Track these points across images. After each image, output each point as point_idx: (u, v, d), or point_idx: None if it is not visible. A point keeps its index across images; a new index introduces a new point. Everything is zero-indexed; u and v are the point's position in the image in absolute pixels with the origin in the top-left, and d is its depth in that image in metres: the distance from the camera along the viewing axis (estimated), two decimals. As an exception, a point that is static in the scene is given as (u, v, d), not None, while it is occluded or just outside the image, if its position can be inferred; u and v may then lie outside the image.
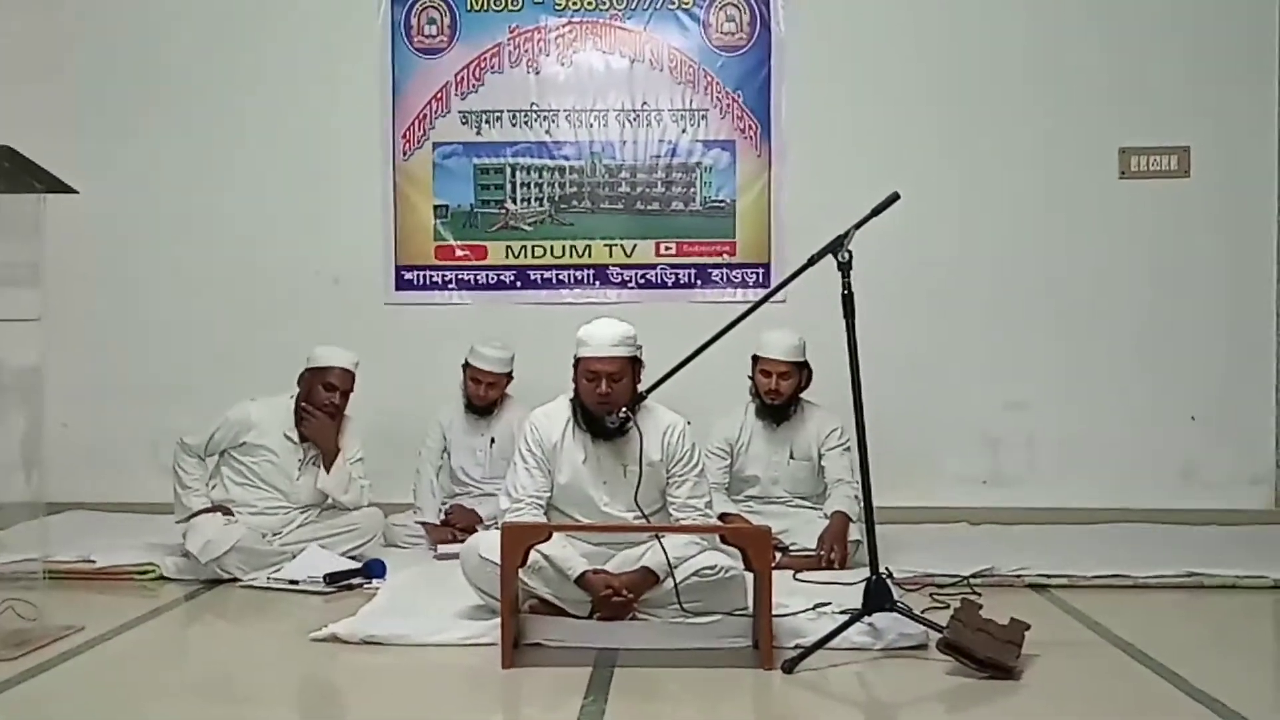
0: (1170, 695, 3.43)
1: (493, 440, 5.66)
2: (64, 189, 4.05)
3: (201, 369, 6.23)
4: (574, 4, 6.36)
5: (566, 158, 6.38)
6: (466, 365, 5.64)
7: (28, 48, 6.34)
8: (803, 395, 5.37)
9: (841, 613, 3.92)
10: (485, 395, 5.60)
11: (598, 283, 6.37)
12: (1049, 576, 4.78)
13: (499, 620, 3.71)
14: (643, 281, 6.36)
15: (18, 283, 4.02)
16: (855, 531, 5.00)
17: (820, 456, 5.33)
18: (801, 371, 5.31)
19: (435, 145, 6.37)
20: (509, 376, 5.67)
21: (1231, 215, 6.24)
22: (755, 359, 5.30)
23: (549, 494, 4.17)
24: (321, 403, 5.10)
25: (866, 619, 3.80)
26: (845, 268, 3.79)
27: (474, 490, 5.66)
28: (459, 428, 5.70)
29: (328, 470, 5.13)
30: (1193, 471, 6.20)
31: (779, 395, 5.28)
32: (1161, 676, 3.58)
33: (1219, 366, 6.24)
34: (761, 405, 5.34)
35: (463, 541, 4.52)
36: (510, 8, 6.36)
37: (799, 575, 4.77)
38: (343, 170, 6.38)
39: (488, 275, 6.38)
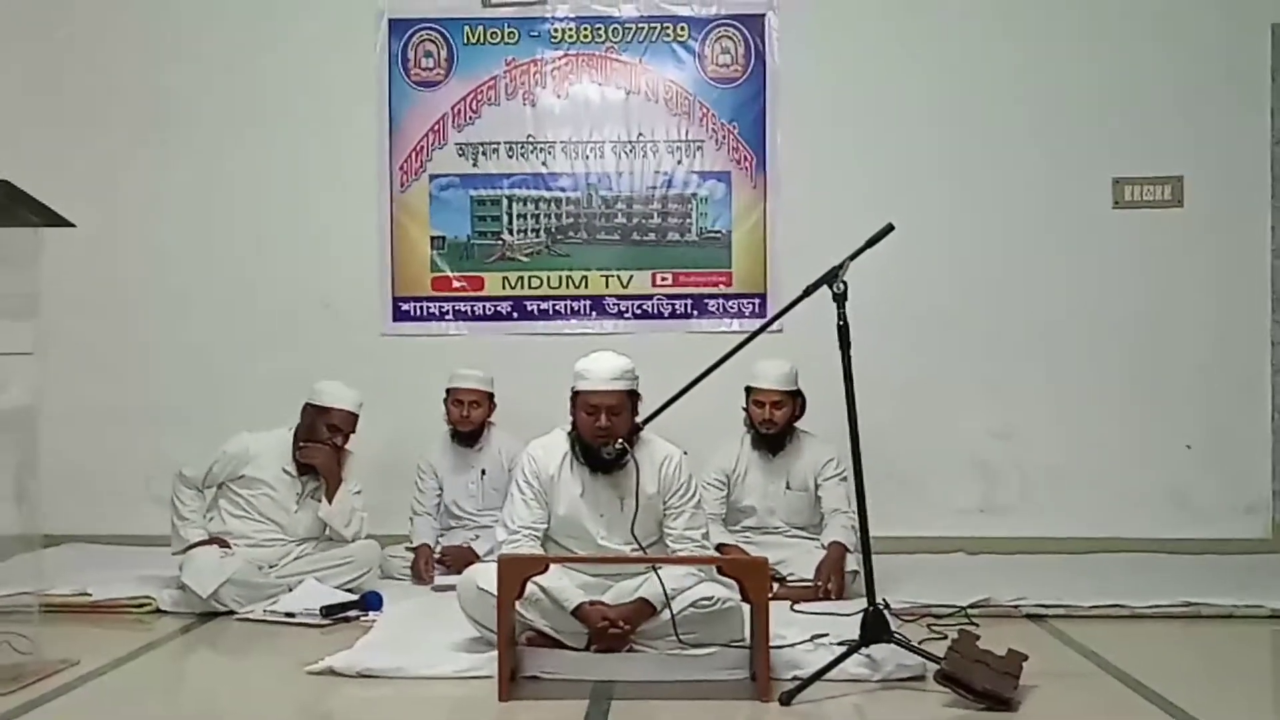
0: (1168, 726, 3.43)
1: (483, 472, 5.66)
2: (60, 222, 4.04)
3: (198, 401, 6.23)
4: (570, 37, 6.40)
5: (563, 189, 6.40)
6: (448, 393, 5.65)
7: (25, 79, 6.37)
8: (798, 425, 5.38)
9: (839, 644, 3.92)
10: (468, 416, 5.59)
11: (594, 313, 6.38)
12: (1046, 607, 4.78)
13: (495, 653, 3.70)
14: (639, 312, 6.37)
15: (12, 315, 4.01)
16: (852, 562, 5.00)
17: (817, 487, 5.33)
18: (795, 400, 5.31)
19: (432, 177, 6.39)
20: (491, 400, 5.67)
21: (1225, 245, 6.26)
22: (748, 390, 5.31)
23: (546, 526, 4.17)
24: (323, 441, 5.12)
25: (864, 650, 3.79)
26: (840, 299, 3.81)
27: (469, 524, 5.65)
28: (448, 464, 5.70)
29: (329, 501, 5.14)
30: (1187, 501, 6.19)
31: (773, 425, 5.28)
32: (1159, 707, 3.57)
33: (1213, 396, 6.25)
34: (757, 435, 5.34)
35: (457, 572, 4.52)
36: (507, 41, 6.40)
37: (796, 606, 4.76)
38: (340, 202, 6.39)
39: (484, 306, 6.39)
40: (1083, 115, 6.27)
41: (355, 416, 5.19)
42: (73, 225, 4.10)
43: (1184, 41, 6.26)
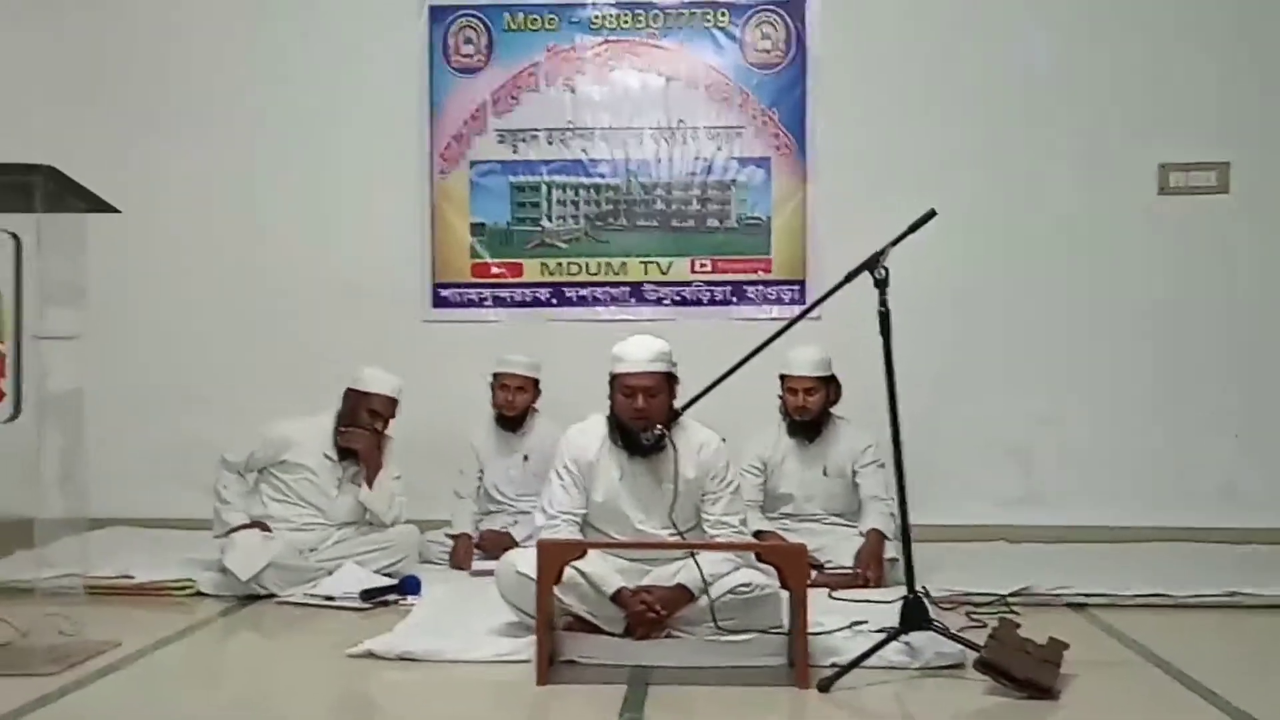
0: (1211, 716, 3.39)
1: (526, 457, 5.67)
2: (107, 208, 4.08)
3: (241, 386, 6.26)
4: (610, 23, 6.39)
5: (602, 175, 6.40)
6: (494, 377, 5.67)
7: (69, 69, 6.43)
8: (835, 412, 5.36)
9: (878, 631, 3.90)
10: (513, 401, 5.61)
11: (633, 300, 6.38)
12: (1088, 595, 4.74)
13: (534, 637, 3.71)
14: (678, 299, 6.37)
15: (59, 301, 4.05)
16: (891, 549, 4.98)
17: (854, 474, 5.31)
18: (828, 386, 5.29)
19: (472, 163, 6.41)
20: (537, 386, 5.69)
21: (1271, 230, 6.18)
22: (782, 377, 5.29)
23: (584, 511, 4.17)
24: (364, 426, 5.16)
25: (903, 638, 3.78)
26: (882, 284, 3.78)
27: (508, 509, 5.66)
28: (491, 447, 5.71)
29: (369, 485, 5.17)
30: (1234, 490, 6.12)
31: (807, 411, 5.26)
32: (1202, 697, 3.54)
33: (1261, 384, 6.17)
34: (793, 423, 5.33)
35: (495, 557, 4.54)
36: (547, 27, 6.40)
37: (835, 593, 4.76)
38: (380, 188, 6.42)
39: (524, 293, 6.41)
40: (1128, 100, 6.21)
41: (395, 401, 5.23)
42: (118, 211, 4.14)
43: (1230, 25, 6.18)
